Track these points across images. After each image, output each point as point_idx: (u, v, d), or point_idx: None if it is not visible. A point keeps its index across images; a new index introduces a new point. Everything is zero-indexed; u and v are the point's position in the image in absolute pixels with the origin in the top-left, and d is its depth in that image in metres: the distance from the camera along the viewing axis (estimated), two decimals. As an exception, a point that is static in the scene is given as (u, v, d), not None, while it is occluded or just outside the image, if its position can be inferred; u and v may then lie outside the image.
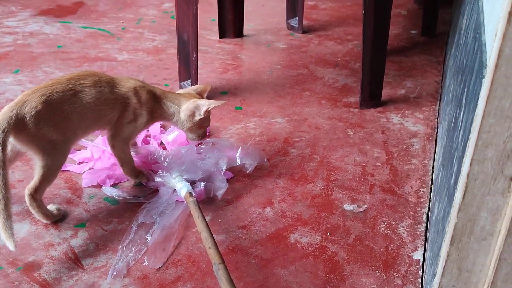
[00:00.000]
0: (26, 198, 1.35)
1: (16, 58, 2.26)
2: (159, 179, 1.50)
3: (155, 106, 1.51)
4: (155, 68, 2.22)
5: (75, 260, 1.28)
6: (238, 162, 1.60)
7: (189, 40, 1.93)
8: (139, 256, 1.29)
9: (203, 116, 1.53)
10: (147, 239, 1.34)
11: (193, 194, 1.42)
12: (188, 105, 1.52)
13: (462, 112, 1.10)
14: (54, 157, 1.33)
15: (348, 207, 1.47)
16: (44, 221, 1.39)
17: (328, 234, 1.37)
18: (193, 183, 1.49)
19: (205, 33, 2.58)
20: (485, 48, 0.91)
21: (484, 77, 0.82)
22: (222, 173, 1.54)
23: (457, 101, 1.26)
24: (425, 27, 2.61)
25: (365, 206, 1.47)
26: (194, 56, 1.93)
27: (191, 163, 1.53)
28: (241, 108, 1.96)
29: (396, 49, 2.47)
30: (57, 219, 1.40)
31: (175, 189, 1.47)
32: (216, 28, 2.55)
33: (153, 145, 1.69)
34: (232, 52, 2.42)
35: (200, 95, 1.60)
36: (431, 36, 2.60)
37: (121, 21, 2.70)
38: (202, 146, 1.65)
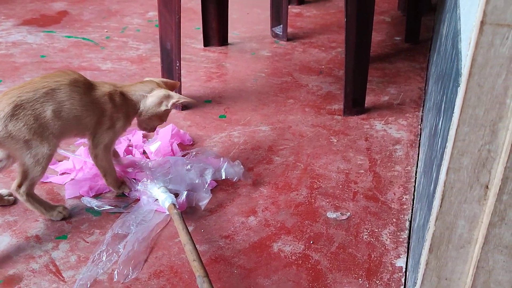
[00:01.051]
0: (15, 195, 1.40)
1: (-2, 68, 2.25)
2: (142, 188, 1.49)
3: (128, 104, 1.49)
4: (138, 77, 2.22)
5: (56, 273, 1.26)
6: (223, 176, 1.58)
7: (172, 49, 1.93)
8: (109, 265, 1.28)
9: (168, 108, 1.51)
10: (120, 249, 1.32)
11: (177, 206, 1.41)
12: (158, 92, 1.50)
13: (441, 119, 1.11)
14: (31, 156, 1.33)
15: (331, 215, 1.47)
16: (44, 215, 1.41)
17: (311, 242, 1.37)
18: (176, 195, 1.48)
19: (190, 41, 2.58)
20: (461, 56, 0.92)
21: (459, 85, 0.82)
22: (207, 185, 1.53)
23: (437, 109, 1.27)
24: (409, 33, 2.63)
25: (348, 213, 1.48)
26: (178, 64, 1.93)
27: (177, 174, 1.52)
28: (225, 116, 1.95)
29: (380, 55, 2.48)
30: (61, 218, 1.42)
31: (156, 199, 1.46)
32: (200, 36, 2.55)
33: (136, 154, 1.68)
34: (217, 60, 2.42)
35: (168, 88, 1.57)
36: (415, 43, 2.62)
37: (105, 30, 2.69)
38: (187, 156, 1.64)
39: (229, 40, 2.59)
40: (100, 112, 1.42)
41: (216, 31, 2.51)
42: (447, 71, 1.17)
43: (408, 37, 2.63)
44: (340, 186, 1.59)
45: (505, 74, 0.72)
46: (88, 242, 1.36)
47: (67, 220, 1.43)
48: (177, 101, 1.51)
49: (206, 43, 2.54)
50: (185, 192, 1.48)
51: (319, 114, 1.98)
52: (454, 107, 0.84)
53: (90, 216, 1.45)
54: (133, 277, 1.25)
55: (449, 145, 0.80)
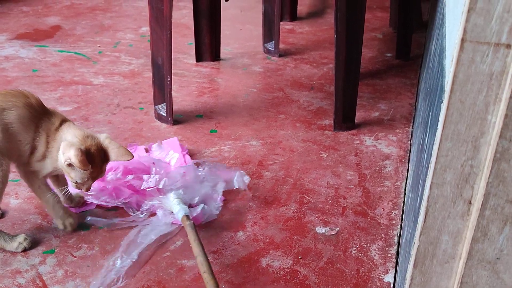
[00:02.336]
0: None
1: (-10, 82, 2.25)
2: (157, 202, 1.49)
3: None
4: (130, 91, 2.22)
5: (42, 288, 1.26)
6: (236, 186, 1.61)
7: (163, 64, 1.93)
8: (123, 272, 1.29)
9: (64, 163, 1.31)
10: (134, 258, 1.34)
11: (190, 217, 1.42)
12: (64, 143, 1.31)
13: (427, 135, 1.12)
14: None
15: (320, 230, 1.47)
16: (4, 248, 1.35)
17: (299, 257, 1.37)
18: (189, 206, 1.49)
19: (182, 56, 2.59)
20: (445, 73, 0.93)
21: (443, 102, 0.83)
22: (219, 198, 1.54)
23: (424, 124, 1.28)
24: (400, 50, 2.65)
25: (337, 228, 1.48)
26: (169, 80, 1.93)
27: (190, 186, 1.53)
28: (216, 131, 1.96)
29: (371, 71, 2.50)
30: (23, 249, 1.36)
31: (172, 212, 1.47)
32: (193, 51, 2.56)
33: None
34: (209, 75, 2.43)
35: (107, 153, 1.36)
36: (406, 59, 2.64)
37: (98, 45, 2.70)
38: (200, 169, 1.64)
39: (222, 56, 2.60)
40: (35, 144, 1.35)
41: (208, 46, 2.53)
42: (433, 88, 1.18)
43: (399, 54, 2.65)
44: (330, 201, 1.59)
45: (485, 91, 0.73)
46: (75, 257, 1.35)
47: (31, 248, 1.38)
48: (67, 158, 1.29)
49: (199, 58, 2.55)
50: (202, 206, 1.49)
51: (310, 129, 1.99)
52: (438, 123, 0.85)
53: (78, 231, 1.44)
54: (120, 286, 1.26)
55: (433, 160, 0.81)
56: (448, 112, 0.76)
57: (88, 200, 1.54)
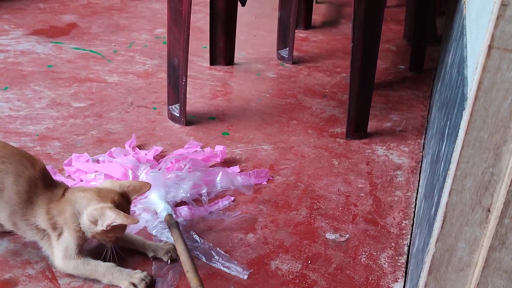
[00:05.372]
0: None
1: (5, 75, 2.26)
2: (140, 205, 1.50)
3: (71, 218, 1.25)
4: (144, 91, 2.23)
5: (52, 279, 1.26)
6: (218, 187, 1.62)
7: (179, 65, 1.94)
8: (177, 281, 1.29)
9: (104, 229, 1.21)
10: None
11: (173, 216, 1.42)
12: (92, 211, 1.21)
13: (444, 144, 1.11)
14: None
15: (330, 236, 1.47)
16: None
17: (309, 262, 1.37)
18: (177, 204, 1.50)
19: (196, 59, 2.61)
20: (467, 81, 0.93)
21: (464, 109, 0.83)
22: (207, 200, 1.56)
23: (440, 134, 1.28)
24: (413, 63, 2.66)
25: (347, 235, 1.47)
26: (184, 80, 1.94)
27: (170, 185, 1.54)
28: (228, 133, 1.96)
29: (383, 83, 2.51)
30: None
31: (157, 212, 1.47)
32: (207, 55, 2.57)
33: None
34: (222, 79, 2.44)
35: (127, 194, 1.29)
36: (419, 72, 2.64)
37: (113, 44, 2.71)
38: (180, 170, 1.65)
39: (235, 60, 2.61)
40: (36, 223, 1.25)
41: (223, 50, 2.54)
42: (451, 97, 1.18)
43: (413, 66, 2.66)
44: (340, 208, 1.59)
45: (510, 99, 0.73)
46: (85, 251, 1.35)
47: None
48: (112, 222, 1.20)
49: (213, 62, 2.56)
50: (186, 208, 1.50)
51: (322, 136, 1.99)
52: (458, 131, 0.85)
53: (89, 225, 1.45)
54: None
55: (453, 167, 0.81)
56: (471, 119, 0.76)
57: None
